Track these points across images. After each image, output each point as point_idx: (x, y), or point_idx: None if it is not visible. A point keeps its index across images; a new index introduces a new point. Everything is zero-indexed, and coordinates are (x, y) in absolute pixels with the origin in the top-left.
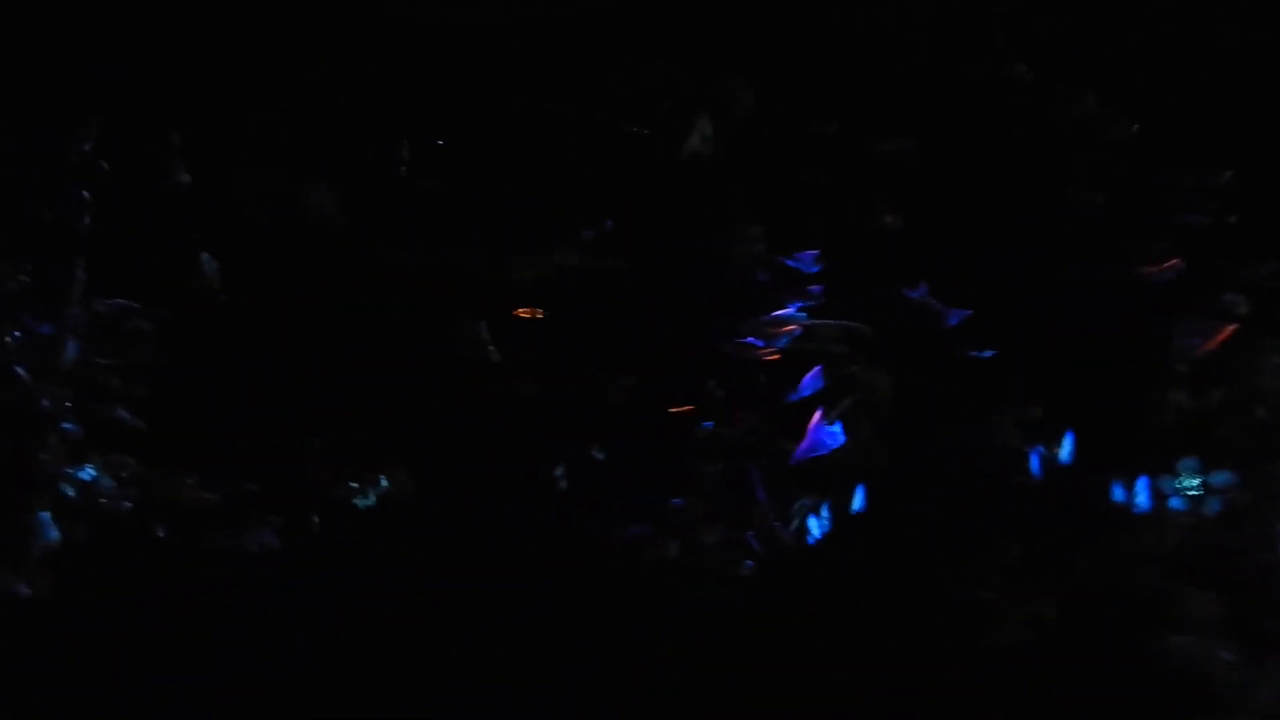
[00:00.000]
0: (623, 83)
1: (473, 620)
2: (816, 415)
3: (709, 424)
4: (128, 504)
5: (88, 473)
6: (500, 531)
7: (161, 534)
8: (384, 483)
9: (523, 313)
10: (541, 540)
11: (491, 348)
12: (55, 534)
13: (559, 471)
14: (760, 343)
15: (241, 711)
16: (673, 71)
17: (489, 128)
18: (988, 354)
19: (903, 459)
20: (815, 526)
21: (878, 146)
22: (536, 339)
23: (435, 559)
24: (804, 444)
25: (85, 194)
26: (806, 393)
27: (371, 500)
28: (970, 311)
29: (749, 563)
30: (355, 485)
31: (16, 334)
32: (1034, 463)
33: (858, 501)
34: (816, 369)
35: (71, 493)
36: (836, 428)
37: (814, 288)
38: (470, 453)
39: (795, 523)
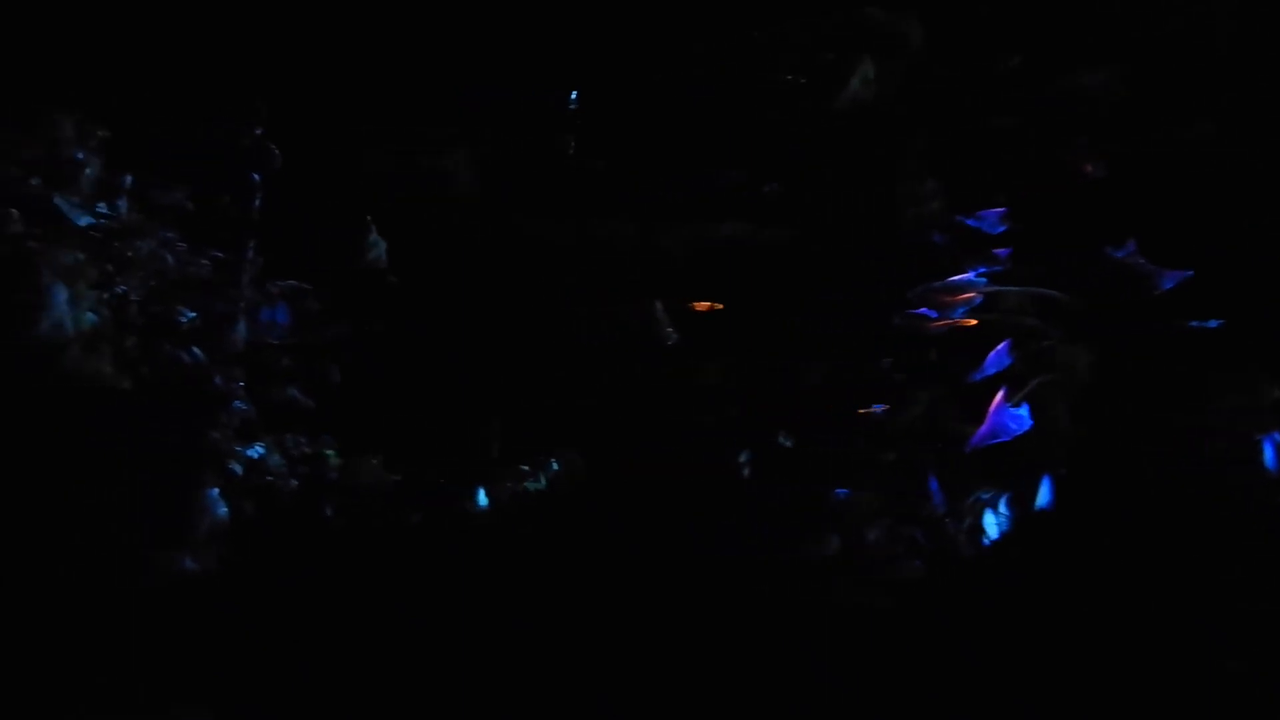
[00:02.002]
0: (772, 24)
1: (622, 607)
2: (999, 396)
3: (878, 406)
4: (295, 482)
5: (256, 450)
6: (659, 521)
7: (329, 512)
8: (555, 465)
9: (700, 306)
10: (694, 532)
11: (669, 329)
12: (224, 510)
13: (742, 458)
14: (935, 314)
15: (410, 687)
16: (826, 7)
17: (631, 87)
18: (1211, 324)
19: (1101, 448)
20: (993, 524)
21: (1071, 80)
22: (700, 319)
23: (600, 543)
24: (983, 429)
25: (256, 177)
26: (990, 370)
27: (542, 483)
28: (1189, 273)
29: (916, 563)
30: (527, 468)
31: (191, 314)
32: (1269, 453)
33: (1044, 496)
34: (1003, 344)
35: (240, 470)
36: (1022, 410)
37: (999, 250)
38: (638, 437)
39: (969, 519)
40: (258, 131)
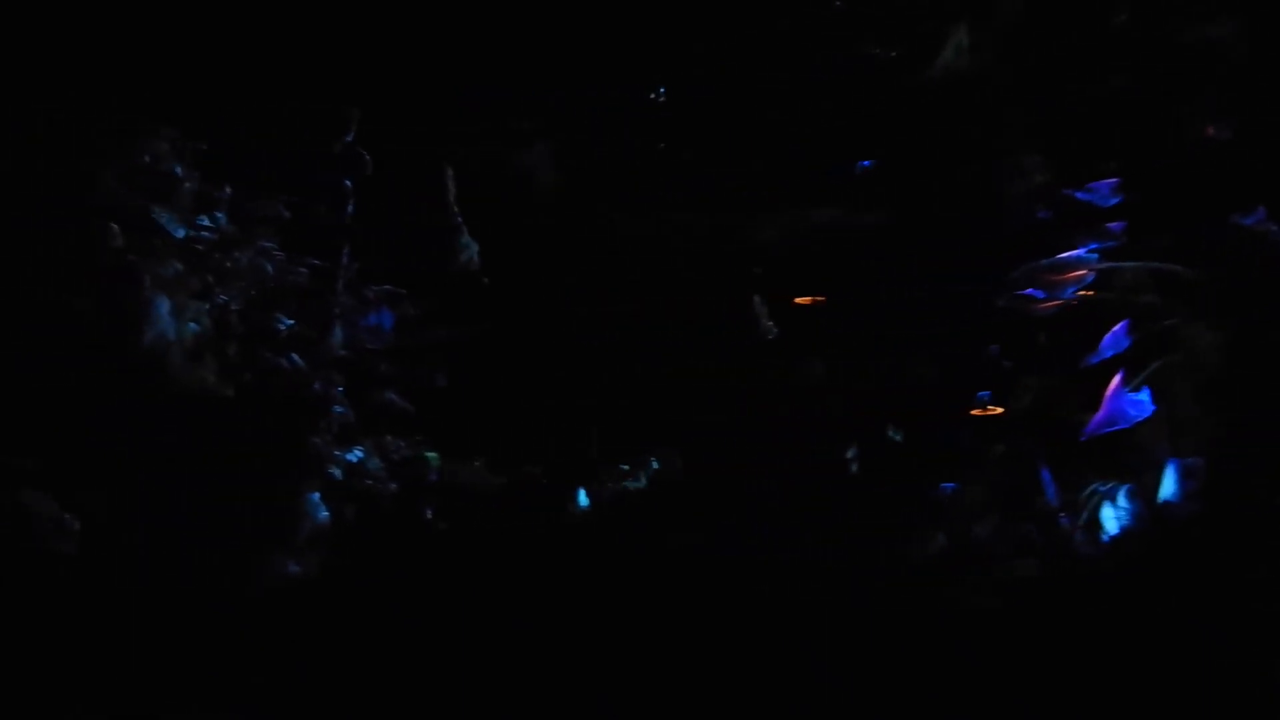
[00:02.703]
0: None
1: (725, 608)
2: (1116, 380)
3: (984, 394)
4: (395, 485)
5: (356, 454)
6: (761, 520)
7: (429, 515)
8: (655, 464)
9: (803, 300)
10: (797, 531)
11: (769, 323)
12: (325, 514)
13: (848, 454)
14: (1043, 294)
15: (513, 688)
16: None
17: (711, 71)
18: None
19: (1231, 434)
20: (1111, 519)
21: (1189, 33)
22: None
23: (701, 542)
24: (1100, 415)
25: (348, 184)
26: (1107, 353)
27: (643, 483)
28: None
29: (1028, 562)
30: (627, 467)
31: (290, 322)
32: None
33: (1168, 488)
34: (1120, 324)
35: (340, 474)
36: (1143, 395)
37: (1113, 224)
38: (739, 435)
39: (1086, 514)
40: (348, 138)
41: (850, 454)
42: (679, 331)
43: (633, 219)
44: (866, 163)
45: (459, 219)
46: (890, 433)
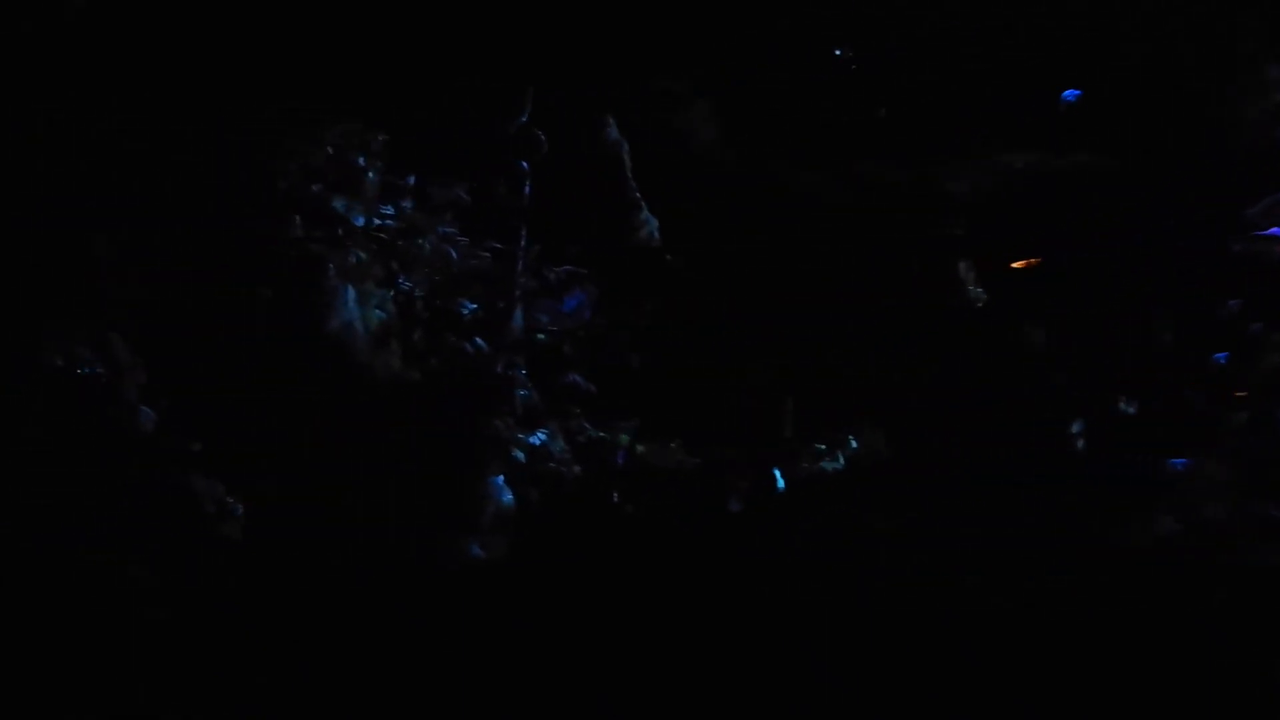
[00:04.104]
0: None
1: (938, 596)
2: None
3: (1222, 356)
4: (579, 468)
5: (539, 437)
6: (972, 503)
7: (615, 498)
8: (854, 444)
9: (1019, 265)
10: (1011, 512)
11: (978, 289)
12: (509, 497)
13: (1074, 428)
14: None
15: (696, 672)
16: None
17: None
18: None
19: None
20: None
21: None
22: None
23: (904, 528)
24: None
25: (525, 165)
26: None
27: (841, 463)
28: None
29: (1271, 547)
30: (823, 447)
31: (473, 306)
32: None
33: None
34: None
35: (523, 457)
36: None
37: None
38: (948, 411)
39: None
40: (522, 119)
41: (1075, 429)
42: (878, 299)
43: (809, 177)
44: (1071, 95)
45: (637, 194)
46: (1120, 404)
